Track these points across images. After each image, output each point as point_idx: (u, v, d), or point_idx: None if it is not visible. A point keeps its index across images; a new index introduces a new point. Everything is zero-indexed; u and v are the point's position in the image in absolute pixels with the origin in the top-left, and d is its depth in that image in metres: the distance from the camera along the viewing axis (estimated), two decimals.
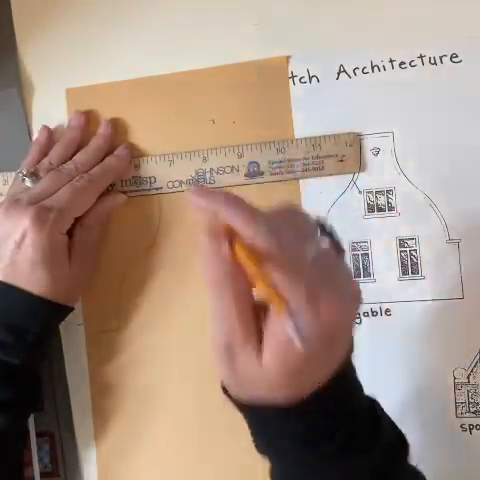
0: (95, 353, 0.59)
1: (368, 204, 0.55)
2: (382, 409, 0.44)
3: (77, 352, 0.59)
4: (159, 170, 0.57)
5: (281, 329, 0.36)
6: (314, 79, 0.56)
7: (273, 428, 0.41)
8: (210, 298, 0.39)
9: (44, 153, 0.58)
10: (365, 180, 0.55)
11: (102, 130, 0.58)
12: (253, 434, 0.43)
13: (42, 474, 0.60)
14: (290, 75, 0.56)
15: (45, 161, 0.57)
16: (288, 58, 0.56)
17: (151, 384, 0.58)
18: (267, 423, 0.41)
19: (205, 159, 0.57)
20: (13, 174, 0.57)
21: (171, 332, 0.57)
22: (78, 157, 0.57)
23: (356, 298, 0.39)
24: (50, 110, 0.60)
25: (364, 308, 0.55)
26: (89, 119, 0.59)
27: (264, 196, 0.55)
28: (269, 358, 0.37)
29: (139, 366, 0.58)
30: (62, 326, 0.58)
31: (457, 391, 0.53)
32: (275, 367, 0.37)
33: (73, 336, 0.59)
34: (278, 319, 0.36)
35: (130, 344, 0.58)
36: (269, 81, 0.56)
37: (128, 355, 0.58)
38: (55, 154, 0.57)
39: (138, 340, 0.58)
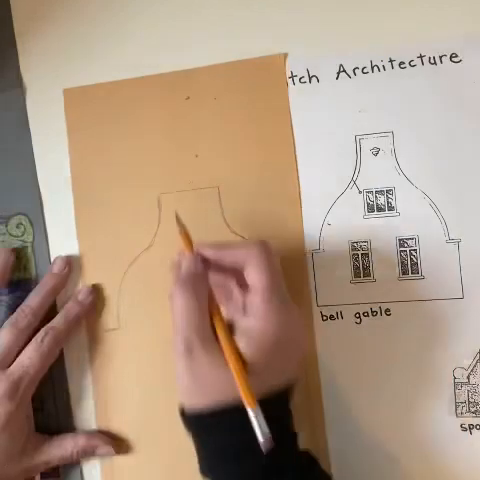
0: (97, 353, 0.59)
1: (368, 204, 0.55)
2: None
3: (78, 352, 0.59)
4: None
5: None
6: (314, 79, 0.56)
7: (220, 436, 0.46)
8: (180, 296, 0.46)
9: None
10: (365, 180, 0.55)
11: (56, 270, 0.59)
12: (199, 451, 0.48)
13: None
14: (290, 75, 0.56)
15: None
16: (286, 56, 0.56)
17: (153, 383, 0.58)
18: (213, 431, 0.46)
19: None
20: None
21: (171, 331, 0.57)
22: (33, 301, 0.57)
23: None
24: (48, 111, 0.60)
25: (364, 308, 0.55)
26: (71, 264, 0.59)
27: (264, 195, 0.56)
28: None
29: (141, 365, 0.58)
30: None
31: (457, 391, 0.53)
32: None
33: (73, 336, 0.59)
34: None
35: (131, 343, 0.58)
36: (267, 79, 0.57)
37: (129, 355, 0.58)
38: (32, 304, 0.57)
39: (139, 339, 0.58)
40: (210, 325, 0.47)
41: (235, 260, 0.48)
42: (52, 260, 0.60)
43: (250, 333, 0.46)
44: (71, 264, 0.59)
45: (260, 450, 0.44)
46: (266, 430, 0.43)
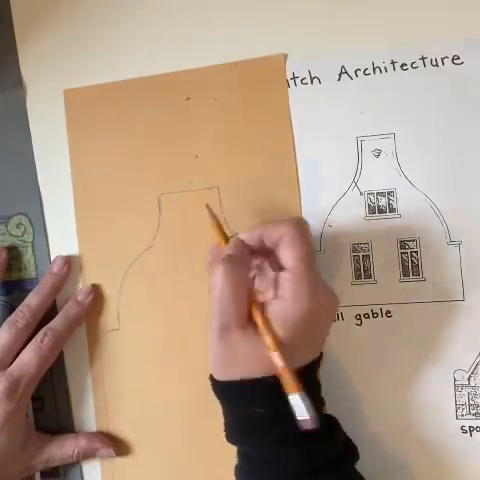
0: (97, 353, 0.59)
1: (369, 205, 0.55)
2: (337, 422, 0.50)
3: (78, 352, 0.59)
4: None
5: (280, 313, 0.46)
6: (315, 80, 0.55)
7: (248, 406, 0.47)
8: (221, 276, 0.46)
9: None
10: (366, 181, 0.55)
11: (56, 269, 0.59)
12: (227, 418, 0.50)
13: (42, 474, 0.59)
14: (291, 76, 0.56)
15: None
16: (286, 56, 0.56)
17: (153, 384, 0.58)
18: (243, 400, 0.47)
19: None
20: None
21: (172, 331, 0.57)
22: (31, 301, 0.57)
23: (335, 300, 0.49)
24: (48, 111, 0.60)
25: (364, 310, 0.55)
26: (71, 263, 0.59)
27: (264, 195, 0.56)
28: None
29: (141, 366, 0.58)
30: None
31: (457, 393, 0.53)
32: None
33: (74, 336, 0.58)
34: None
35: (132, 344, 0.58)
36: (267, 80, 0.56)
37: (129, 355, 0.58)
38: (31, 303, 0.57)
39: (139, 340, 0.58)
40: (246, 306, 0.47)
41: (270, 240, 0.48)
42: (52, 260, 0.60)
43: (281, 314, 0.46)
44: (70, 263, 0.59)
45: (283, 420, 0.46)
46: (313, 413, 0.44)
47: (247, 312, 0.47)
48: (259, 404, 0.47)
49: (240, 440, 0.50)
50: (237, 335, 0.47)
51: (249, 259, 0.49)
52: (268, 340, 0.46)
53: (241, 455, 0.50)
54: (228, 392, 0.49)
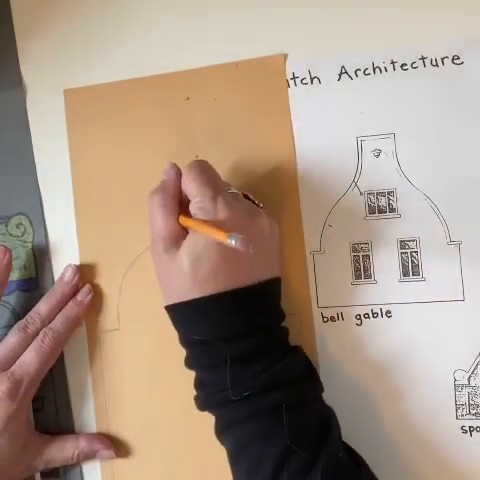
0: (97, 354, 0.59)
1: (369, 205, 0.55)
2: (305, 356, 0.52)
3: (78, 352, 0.59)
4: None
5: (196, 239, 0.49)
6: (315, 80, 0.55)
7: (196, 319, 0.50)
8: (149, 205, 0.52)
9: None
10: (366, 181, 0.55)
11: (67, 279, 0.59)
12: (181, 343, 0.52)
13: (42, 474, 0.59)
14: (291, 76, 0.56)
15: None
16: (286, 56, 0.56)
17: (153, 384, 0.58)
18: (191, 313, 0.50)
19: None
20: None
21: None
22: (42, 308, 0.58)
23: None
24: (48, 111, 0.60)
25: (364, 309, 0.55)
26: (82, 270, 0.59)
27: (264, 195, 0.56)
28: (183, 254, 0.49)
29: (141, 366, 0.58)
30: None
31: (457, 393, 0.53)
32: (188, 260, 0.48)
33: (74, 336, 0.58)
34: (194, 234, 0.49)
35: (132, 344, 0.58)
36: (267, 80, 0.56)
37: (129, 355, 0.58)
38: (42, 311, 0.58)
39: (139, 340, 0.58)
40: (177, 229, 0.51)
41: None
42: (63, 268, 0.59)
43: (186, 242, 0.50)
44: (80, 273, 0.59)
45: (211, 344, 0.49)
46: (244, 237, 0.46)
47: (175, 236, 0.50)
48: (195, 327, 0.50)
49: (192, 366, 0.52)
50: (165, 257, 0.50)
51: (179, 188, 0.52)
52: (195, 222, 0.49)
53: (196, 383, 0.52)
54: (172, 317, 0.52)
